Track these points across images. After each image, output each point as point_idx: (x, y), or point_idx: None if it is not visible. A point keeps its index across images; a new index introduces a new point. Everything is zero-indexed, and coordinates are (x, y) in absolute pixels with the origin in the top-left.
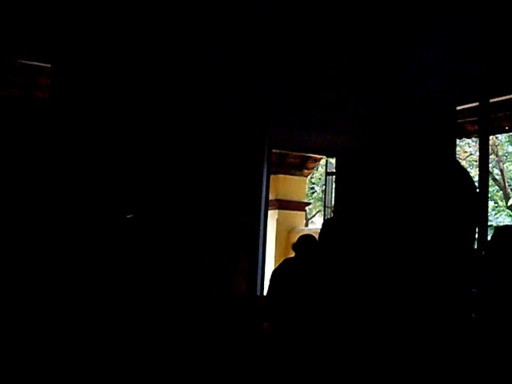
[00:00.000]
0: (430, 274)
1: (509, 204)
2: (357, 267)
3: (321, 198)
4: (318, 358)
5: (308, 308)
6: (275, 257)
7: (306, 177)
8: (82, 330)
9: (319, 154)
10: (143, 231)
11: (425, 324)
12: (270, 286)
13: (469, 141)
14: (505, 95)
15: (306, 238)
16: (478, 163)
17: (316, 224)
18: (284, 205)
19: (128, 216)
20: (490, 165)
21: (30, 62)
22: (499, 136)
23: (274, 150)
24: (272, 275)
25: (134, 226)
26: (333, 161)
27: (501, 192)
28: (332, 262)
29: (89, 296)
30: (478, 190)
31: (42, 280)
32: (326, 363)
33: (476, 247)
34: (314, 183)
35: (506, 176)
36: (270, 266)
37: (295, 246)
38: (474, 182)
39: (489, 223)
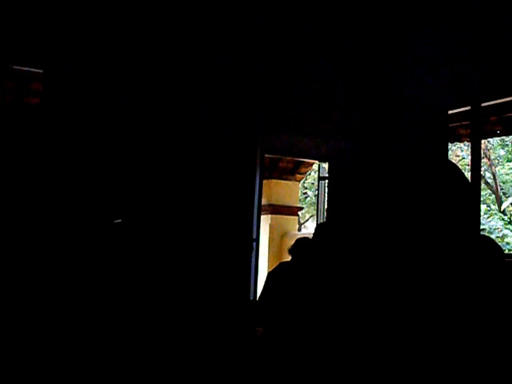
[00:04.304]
0: (427, 275)
1: (501, 208)
2: (353, 270)
3: (314, 202)
4: (314, 362)
5: (304, 311)
6: (268, 261)
7: (299, 181)
8: (73, 333)
9: (312, 159)
10: (132, 237)
11: (426, 325)
12: (264, 289)
13: (461, 145)
14: (496, 99)
15: (303, 241)
16: (470, 167)
17: (309, 229)
18: (277, 210)
19: (116, 221)
20: (482, 168)
21: (22, 68)
22: (491, 140)
23: (266, 155)
24: (267, 278)
25: (123, 232)
26: (325, 165)
27: (493, 196)
28: (327, 266)
29: (77, 301)
30: (471, 191)
31: (29, 285)
32: (322, 367)
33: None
34: (306, 188)
35: (498, 180)
36: (263, 271)
37: (291, 250)
38: (468, 182)
39: (481, 227)
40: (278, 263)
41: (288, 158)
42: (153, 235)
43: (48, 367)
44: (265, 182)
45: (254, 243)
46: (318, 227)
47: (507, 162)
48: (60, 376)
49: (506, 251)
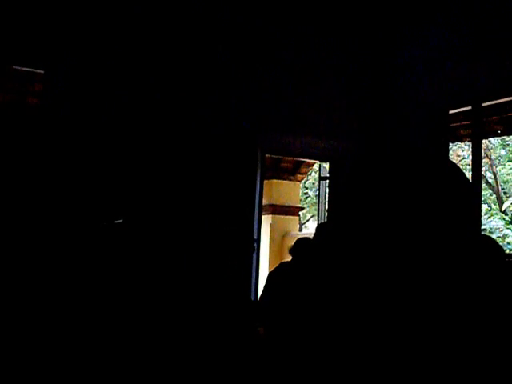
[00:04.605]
0: (428, 275)
1: (503, 208)
2: (353, 271)
3: (314, 202)
4: (314, 362)
5: (304, 312)
6: (269, 261)
7: (300, 181)
8: (74, 333)
9: (312, 159)
10: (133, 237)
11: (424, 329)
12: (265, 289)
13: (462, 145)
14: (497, 99)
15: (304, 241)
16: (471, 167)
17: (309, 229)
18: (278, 210)
19: (117, 221)
20: (483, 168)
21: (22, 68)
22: (492, 140)
23: (267, 155)
24: (268, 278)
25: (124, 232)
26: (326, 165)
27: (494, 196)
28: (328, 266)
29: (78, 300)
30: (472, 192)
31: (30, 285)
32: (323, 367)
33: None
34: (307, 188)
35: (499, 180)
36: (264, 271)
37: (292, 250)
38: (469, 182)
39: (482, 227)
40: (278, 263)
41: (289, 158)
42: (154, 236)
43: (48, 367)
44: (266, 182)
45: (255, 244)
46: (319, 227)
47: (508, 161)
48: (60, 376)
49: (507, 251)
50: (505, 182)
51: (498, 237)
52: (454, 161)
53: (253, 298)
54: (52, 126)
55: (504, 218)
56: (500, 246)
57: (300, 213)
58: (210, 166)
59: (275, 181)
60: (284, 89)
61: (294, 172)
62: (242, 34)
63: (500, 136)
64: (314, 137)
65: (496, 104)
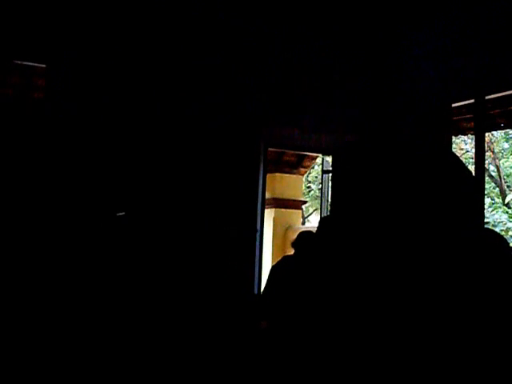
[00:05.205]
0: (429, 269)
1: (506, 201)
2: (356, 264)
3: (317, 196)
4: (317, 356)
5: (307, 305)
6: (272, 255)
7: (303, 175)
8: (75, 331)
9: (315, 153)
10: (135, 230)
11: (426, 323)
12: (268, 283)
13: (465, 138)
14: (500, 92)
15: (306, 234)
16: (474, 160)
17: (312, 222)
18: (281, 203)
19: (119, 214)
20: (486, 162)
21: (25, 63)
22: (495, 133)
23: (270, 149)
24: (271, 272)
25: (126, 225)
26: (329, 159)
27: (497, 189)
28: (331, 259)
29: (80, 295)
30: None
31: (33, 279)
32: (326, 361)
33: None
34: (310, 181)
35: (503, 173)
36: (266, 265)
37: (295, 243)
38: (472, 175)
39: (485, 220)
40: (281, 257)
41: (291, 152)
42: (156, 229)
43: (49, 363)
44: (269, 175)
45: (258, 232)
46: (322, 221)
47: (511, 154)
48: (60, 375)
49: (511, 244)
50: (508, 176)
51: (502, 230)
52: (457, 154)
53: (256, 292)
54: (55, 119)
55: (507, 212)
56: (504, 239)
57: (303, 206)
58: (212, 160)
59: (278, 174)
60: (286, 83)
61: (296, 165)
62: (245, 31)
63: (503, 129)
64: (316, 130)
65: (499, 97)
